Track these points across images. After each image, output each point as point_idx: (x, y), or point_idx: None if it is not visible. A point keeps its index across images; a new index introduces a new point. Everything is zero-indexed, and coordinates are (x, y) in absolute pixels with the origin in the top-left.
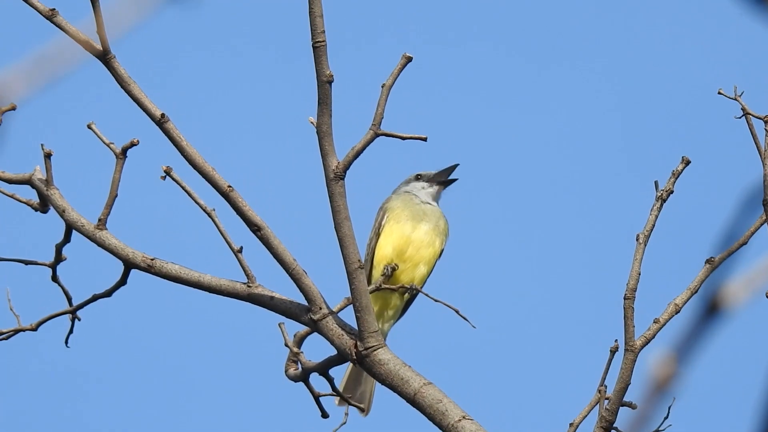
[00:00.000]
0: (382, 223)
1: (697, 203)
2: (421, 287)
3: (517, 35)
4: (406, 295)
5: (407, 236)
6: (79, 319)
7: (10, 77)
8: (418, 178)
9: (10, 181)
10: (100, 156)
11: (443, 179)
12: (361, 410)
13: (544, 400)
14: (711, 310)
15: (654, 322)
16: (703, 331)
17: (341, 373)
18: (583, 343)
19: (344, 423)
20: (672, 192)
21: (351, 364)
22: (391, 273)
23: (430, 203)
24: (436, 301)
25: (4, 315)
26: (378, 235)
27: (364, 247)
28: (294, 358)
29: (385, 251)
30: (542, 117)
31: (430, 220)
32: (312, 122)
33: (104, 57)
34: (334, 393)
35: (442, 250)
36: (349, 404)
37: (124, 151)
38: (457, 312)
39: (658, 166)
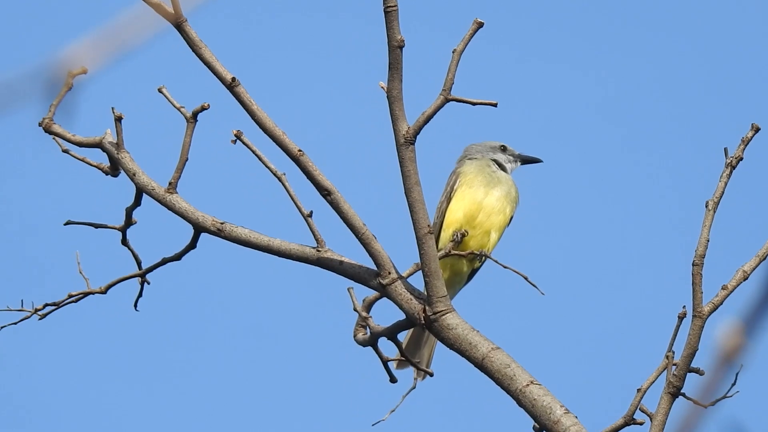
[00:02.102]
0: (455, 187)
1: (767, 170)
2: (490, 254)
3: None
4: (476, 261)
5: (479, 202)
6: (149, 283)
7: (85, 43)
8: (504, 149)
9: (81, 145)
10: (171, 120)
11: (527, 160)
12: (422, 375)
13: (611, 365)
14: None
15: (722, 288)
16: None
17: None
18: (651, 309)
19: (413, 388)
20: (741, 159)
21: (411, 329)
22: (460, 239)
23: (504, 172)
24: (505, 267)
25: (74, 278)
26: (449, 199)
27: (434, 210)
28: (363, 322)
29: (455, 215)
30: (613, 82)
31: (502, 188)
32: (383, 87)
33: (176, 21)
34: (403, 358)
35: (511, 218)
36: (417, 369)
37: (195, 114)
38: (526, 279)
39: (728, 133)
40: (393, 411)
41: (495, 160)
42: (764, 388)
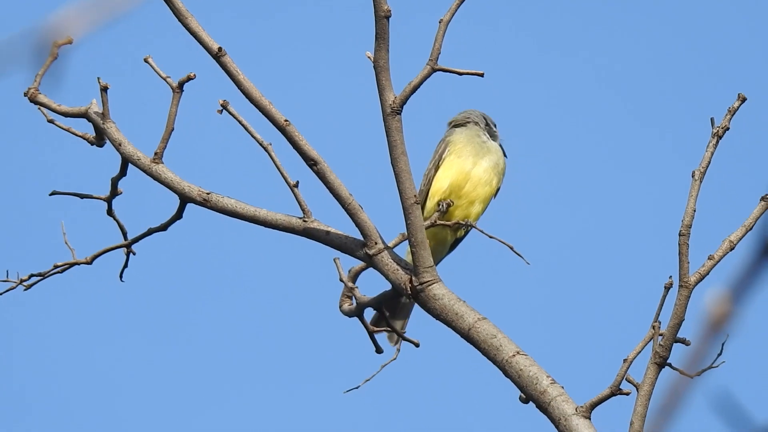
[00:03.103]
0: (443, 155)
1: (753, 140)
2: (475, 224)
3: None
4: (460, 231)
5: (467, 172)
6: (134, 253)
7: (71, 13)
8: (494, 124)
9: (66, 115)
10: (157, 90)
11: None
12: (398, 342)
13: (598, 335)
14: (767, 250)
15: (709, 258)
16: (759, 271)
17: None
18: (637, 279)
19: (394, 359)
20: (728, 129)
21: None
22: (446, 209)
23: (494, 142)
24: (491, 237)
25: (59, 248)
26: (437, 167)
27: (421, 177)
28: (349, 293)
29: (441, 184)
30: (599, 52)
31: (491, 158)
32: (369, 57)
33: None
34: (389, 328)
35: (498, 189)
36: (403, 339)
37: (181, 85)
38: (511, 249)
39: (715, 103)
40: (368, 380)
41: (487, 127)
42: (751, 357)
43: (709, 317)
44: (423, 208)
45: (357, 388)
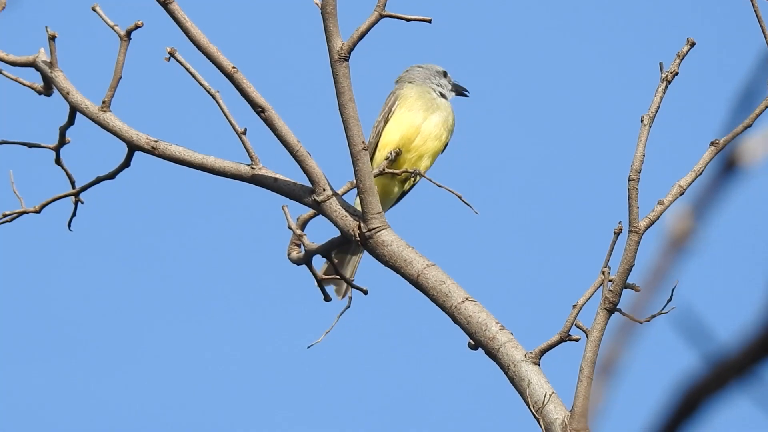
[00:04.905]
0: (393, 108)
1: (702, 85)
2: (424, 173)
3: None
4: (408, 182)
5: (416, 126)
6: (82, 202)
7: None
8: (445, 75)
9: (14, 64)
10: (105, 38)
11: (458, 91)
12: (328, 298)
13: (547, 282)
14: (729, 166)
15: (658, 203)
16: (721, 188)
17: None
18: (586, 225)
19: (348, 307)
20: (677, 74)
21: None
22: (395, 158)
23: (444, 98)
24: (439, 186)
25: (7, 197)
26: (387, 120)
27: (370, 129)
28: (297, 240)
29: (391, 137)
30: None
31: (441, 114)
32: (317, 3)
33: None
34: (337, 276)
35: (446, 145)
36: (351, 287)
37: (129, 33)
38: (460, 197)
39: (664, 47)
40: (328, 332)
41: (438, 86)
42: (712, 280)
43: (670, 234)
44: (372, 159)
45: (318, 342)
